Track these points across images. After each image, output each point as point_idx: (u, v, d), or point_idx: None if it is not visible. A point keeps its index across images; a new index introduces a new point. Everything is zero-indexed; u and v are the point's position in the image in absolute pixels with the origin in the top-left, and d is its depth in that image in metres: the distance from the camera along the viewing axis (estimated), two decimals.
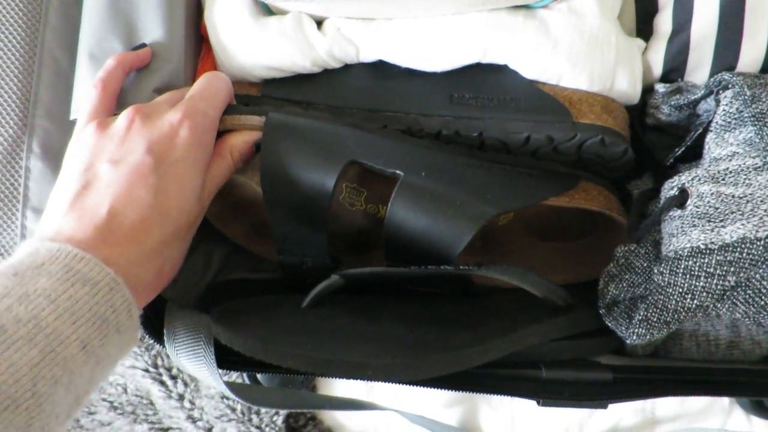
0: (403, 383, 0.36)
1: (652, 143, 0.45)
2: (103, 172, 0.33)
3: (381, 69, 0.41)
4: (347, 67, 0.42)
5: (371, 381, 0.34)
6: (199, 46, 0.44)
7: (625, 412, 0.52)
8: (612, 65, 0.41)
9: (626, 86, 0.42)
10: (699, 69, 0.42)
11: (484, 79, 0.40)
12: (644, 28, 0.45)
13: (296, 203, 0.38)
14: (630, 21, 0.45)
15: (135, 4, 0.40)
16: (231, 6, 0.40)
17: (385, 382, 0.34)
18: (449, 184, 0.37)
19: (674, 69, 0.43)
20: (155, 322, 0.37)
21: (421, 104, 0.40)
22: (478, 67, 0.41)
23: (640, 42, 0.44)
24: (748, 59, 0.41)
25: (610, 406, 0.38)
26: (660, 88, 0.42)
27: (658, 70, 0.43)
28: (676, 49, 0.42)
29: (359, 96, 0.40)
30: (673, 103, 0.42)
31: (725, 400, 0.51)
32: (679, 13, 0.42)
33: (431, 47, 0.40)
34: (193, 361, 0.36)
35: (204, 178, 0.36)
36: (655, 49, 0.43)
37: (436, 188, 0.37)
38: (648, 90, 0.44)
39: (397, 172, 0.37)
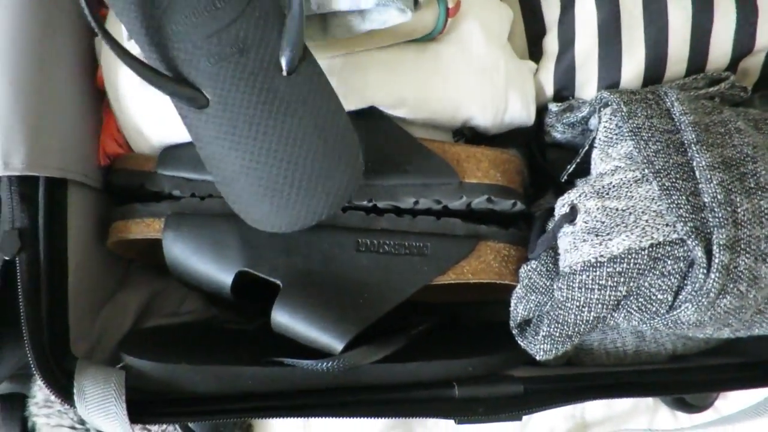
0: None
1: (554, 160, 0.47)
2: None
3: None
4: None
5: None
6: (98, 102, 0.44)
7: (556, 419, 0.53)
8: (503, 89, 0.43)
9: (519, 108, 0.44)
10: (587, 86, 0.44)
11: (374, 139, 0.41)
12: (535, 50, 0.47)
13: (205, 290, 0.41)
14: (521, 43, 0.47)
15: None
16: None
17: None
18: (327, 290, 0.39)
19: (564, 88, 0.45)
20: (65, 381, 0.37)
21: None
22: (370, 121, 0.41)
23: (531, 64, 0.45)
24: (630, 73, 0.43)
25: (535, 416, 0.39)
26: (553, 107, 0.44)
27: (549, 89, 0.45)
28: (563, 68, 0.44)
29: None
30: (564, 120, 0.44)
31: (649, 399, 0.53)
32: (563, 34, 0.44)
33: None
34: (104, 417, 0.36)
35: None
36: (545, 69, 0.45)
37: (312, 299, 0.39)
38: (543, 109, 0.46)
39: (278, 282, 0.39)
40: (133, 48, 0.38)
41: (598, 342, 0.43)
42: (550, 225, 0.42)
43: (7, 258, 0.38)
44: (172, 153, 0.42)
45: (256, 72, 0.35)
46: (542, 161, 0.46)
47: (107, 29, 0.36)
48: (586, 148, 0.41)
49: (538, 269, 0.39)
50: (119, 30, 0.39)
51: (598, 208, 0.36)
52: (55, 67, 0.40)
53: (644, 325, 0.37)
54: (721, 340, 0.44)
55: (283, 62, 0.35)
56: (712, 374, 0.42)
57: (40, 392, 0.51)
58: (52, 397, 0.46)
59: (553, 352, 0.37)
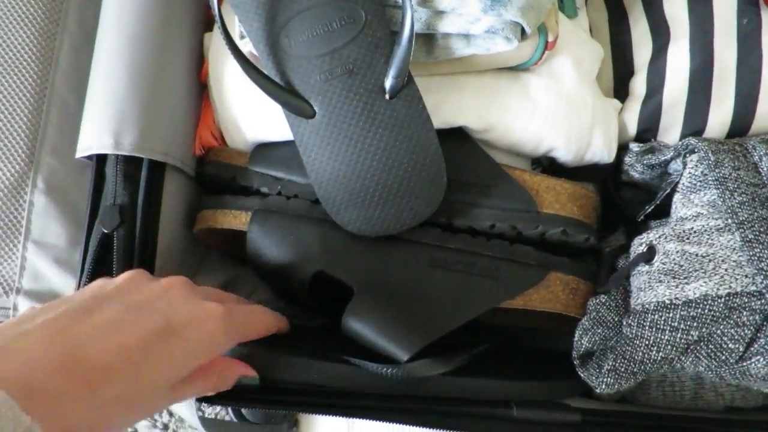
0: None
1: (627, 199, 0.48)
2: (111, 309, 0.31)
3: None
4: None
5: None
6: (200, 95, 0.46)
7: None
8: (588, 126, 0.44)
9: (602, 145, 0.45)
10: (670, 130, 0.45)
11: (459, 159, 0.42)
12: (621, 89, 0.48)
13: (281, 284, 0.43)
14: (608, 82, 0.48)
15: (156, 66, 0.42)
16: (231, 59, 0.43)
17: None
18: (399, 300, 0.40)
19: (647, 129, 0.46)
20: None
21: None
22: (457, 142, 0.43)
23: (617, 103, 0.46)
24: (715, 124, 0.44)
25: None
26: (634, 147, 0.45)
27: (632, 129, 0.46)
28: (649, 111, 0.45)
29: None
30: (645, 162, 0.44)
31: None
32: (653, 77, 0.45)
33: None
34: None
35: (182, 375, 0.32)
36: (630, 110, 0.46)
37: (384, 307, 0.40)
38: (623, 147, 0.46)
39: (352, 287, 0.40)
40: (244, 46, 0.41)
41: (656, 383, 0.43)
42: (621, 262, 0.43)
43: (106, 231, 0.40)
44: (263, 152, 0.44)
45: (361, 93, 0.38)
46: (617, 199, 0.46)
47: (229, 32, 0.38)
48: (668, 191, 0.41)
49: (607, 303, 0.40)
50: (231, 27, 0.41)
51: (677, 251, 0.37)
52: (169, 59, 0.43)
53: (710, 373, 0.37)
54: None
55: (387, 87, 0.37)
56: None
57: None
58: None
59: (616, 386, 0.38)
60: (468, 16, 0.37)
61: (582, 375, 0.40)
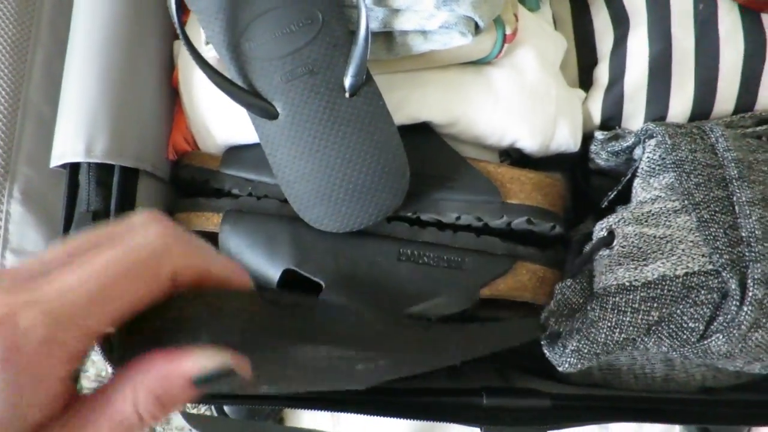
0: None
1: (596, 187, 0.49)
2: None
3: None
4: None
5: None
6: (172, 101, 0.47)
7: None
8: (553, 116, 0.44)
9: (567, 135, 0.45)
10: (634, 117, 0.46)
11: (423, 154, 0.43)
12: (585, 79, 0.48)
13: (255, 284, 0.42)
14: (573, 71, 0.49)
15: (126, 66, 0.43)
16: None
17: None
18: (366, 294, 0.41)
19: (611, 117, 0.46)
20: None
21: None
22: (421, 137, 0.43)
23: (581, 92, 0.47)
24: (677, 109, 0.45)
25: None
26: (599, 135, 0.46)
27: (597, 118, 0.47)
28: (612, 99, 0.46)
29: None
30: (609, 149, 0.45)
31: (677, 427, 0.53)
32: (615, 66, 0.46)
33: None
34: None
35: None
36: (594, 98, 0.47)
37: (351, 301, 0.40)
38: (589, 137, 0.47)
39: (321, 282, 0.41)
40: (209, 52, 0.42)
41: (626, 366, 0.44)
42: (588, 248, 0.43)
43: None
44: (235, 154, 0.45)
45: (322, 92, 0.38)
46: (585, 187, 0.47)
47: (189, 38, 0.39)
48: (629, 176, 0.42)
49: (572, 287, 0.40)
50: (197, 33, 0.42)
51: (635, 234, 0.38)
52: (140, 67, 0.44)
53: (674, 353, 0.38)
54: (753, 376, 0.44)
55: (347, 86, 0.38)
56: (740, 409, 0.42)
57: (92, 367, 0.55)
58: (103, 372, 0.49)
59: (578, 366, 0.38)
60: (423, 12, 0.38)
61: (547, 353, 0.40)
